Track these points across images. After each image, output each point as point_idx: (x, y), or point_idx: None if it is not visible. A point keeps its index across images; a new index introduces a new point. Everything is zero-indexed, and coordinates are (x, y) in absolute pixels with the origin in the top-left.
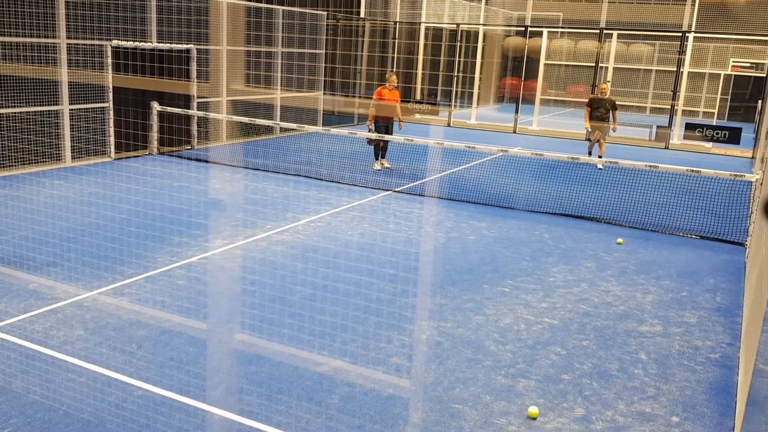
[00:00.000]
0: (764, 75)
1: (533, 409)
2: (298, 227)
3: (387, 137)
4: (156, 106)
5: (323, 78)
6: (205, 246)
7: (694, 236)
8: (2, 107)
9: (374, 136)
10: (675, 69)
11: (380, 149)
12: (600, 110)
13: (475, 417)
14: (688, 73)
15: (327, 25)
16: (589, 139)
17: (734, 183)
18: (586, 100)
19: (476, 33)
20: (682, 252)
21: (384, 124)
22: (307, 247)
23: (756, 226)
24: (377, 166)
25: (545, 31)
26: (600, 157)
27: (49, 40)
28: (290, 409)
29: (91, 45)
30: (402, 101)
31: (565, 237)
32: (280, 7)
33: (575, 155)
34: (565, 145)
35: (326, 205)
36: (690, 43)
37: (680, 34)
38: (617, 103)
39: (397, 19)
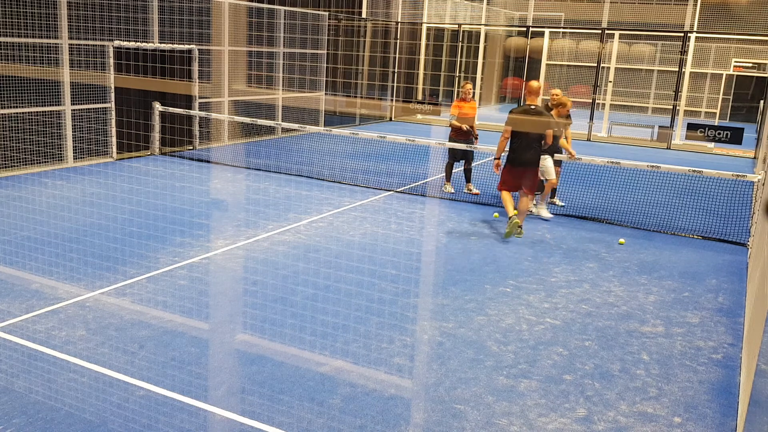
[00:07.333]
0: (766, 75)
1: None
2: (299, 227)
3: (467, 148)
4: (158, 107)
5: (325, 78)
6: (207, 246)
7: (696, 236)
8: (4, 108)
9: (460, 146)
10: (677, 69)
11: (466, 171)
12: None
13: (477, 417)
14: (690, 73)
15: (329, 25)
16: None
17: (736, 183)
18: (567, 105)
19: (478, 33)
20: (684, 252)
21: (464, 141)
22: (309, 247)
23: (758, 227)
24: (449, 188)
25: (547, 31)
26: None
27: (51, 41)
28: (292, 409)
29: (93, 45)
30: (403, 101)
31: (566, 237)
32: (282, 8)
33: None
34: None
35: (328, 206)
36: (692, 43)
37: (682, 34)
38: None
39: (399, 20)
